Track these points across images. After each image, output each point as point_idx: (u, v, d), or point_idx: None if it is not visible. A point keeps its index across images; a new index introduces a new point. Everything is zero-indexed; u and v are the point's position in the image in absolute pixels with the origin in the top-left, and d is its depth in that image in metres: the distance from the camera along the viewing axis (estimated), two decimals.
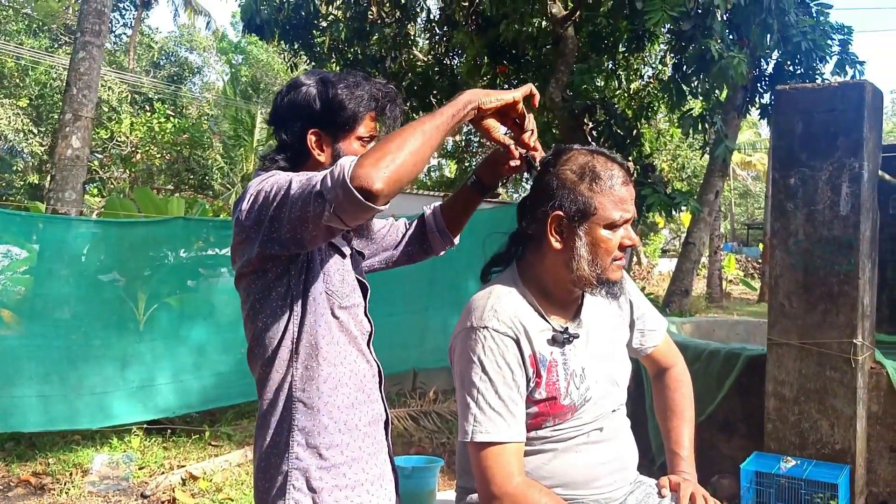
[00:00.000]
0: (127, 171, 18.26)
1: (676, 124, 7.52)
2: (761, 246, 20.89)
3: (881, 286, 3.52)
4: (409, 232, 1.73)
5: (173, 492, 3.74)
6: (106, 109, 17.12)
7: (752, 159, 26.18)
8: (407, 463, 3.42)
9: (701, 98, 5.88)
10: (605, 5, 6.38)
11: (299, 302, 1.39)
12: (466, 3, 6.74)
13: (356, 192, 1.14)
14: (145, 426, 4.57)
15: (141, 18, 23.95)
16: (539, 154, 1.47)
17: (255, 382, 1.46)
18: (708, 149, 6.82)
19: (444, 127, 1.25)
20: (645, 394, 3.57)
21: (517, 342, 1.39)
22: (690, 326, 5.11)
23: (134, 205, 7.40)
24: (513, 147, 1.44)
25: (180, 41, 26.79)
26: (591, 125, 6.26)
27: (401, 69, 7.11)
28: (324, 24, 6.87)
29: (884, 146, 3.43)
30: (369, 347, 1.52)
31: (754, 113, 7.22)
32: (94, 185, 17.59)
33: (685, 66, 5.36)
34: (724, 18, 4.97)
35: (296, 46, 6.86)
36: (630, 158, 6.00)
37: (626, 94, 7.68)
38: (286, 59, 8.32)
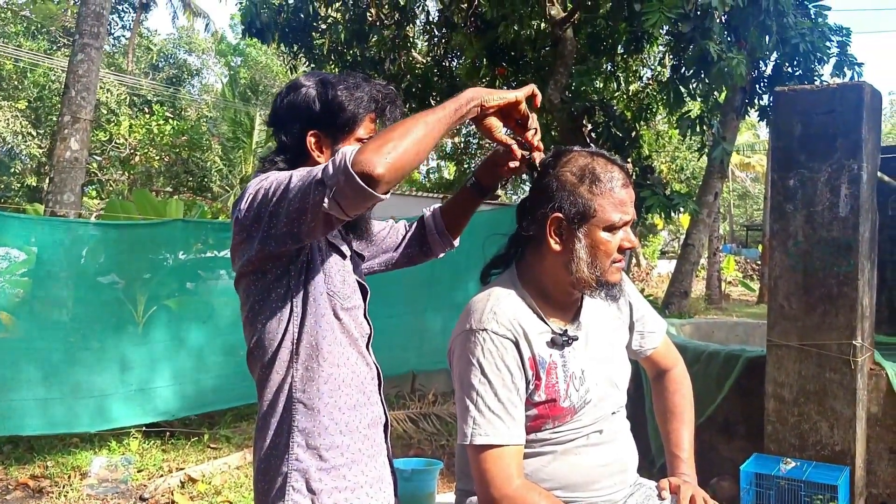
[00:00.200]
0: (126, 173, 18.26)
1: (675, 126, 7.52)
2: (760, 247, 20.90)
3: (880, 287, 3.51)
4: (409, 234, 1.73)
5: (172, 495, 3.73)
6: (105, 111, 17.11)
7: (751, 161, 26.20)
8: (406, 465, 3.42)
9: (700, 100, 5.88)
10: (603, 7, 6.39)
11: (300, 303, 1.39)
12: (465, 5, 6.74)
13: (358, 178, 1.14)
14: (144, 429, 4.57)
15: (140, 20, 23.97)
16: (540, 155, 1.47)
17: (255, 384, 1.46)
18: (706, 150, 6.83)
19: (446, 120, 1.25)
20: (645, 396, 3.57)
21: (516, 344, 1.39)
22: (690, 328, 5.11)
23: (133, 207, 7.40)
24: (514, 147, 1.44)
25: (179, 43, 26.79)
26: (590, 127, 6.26)
27: (400, 71, 7.11)
28: (323, 26, 6.87)
29: (882, 147, 3.43)
30: (369, 350, 1.51)
31: (753, 114, 7.23)
32: (93, 187, 17.58)
33: (684, 68, 5.36)
34: (723, 20, 4.98)
35: (295, 49, 6.86)
36: (629, 160, 6.00)
37: (625, 96, 7.68)
38: (286, 62, 8.32)
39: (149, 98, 19.94)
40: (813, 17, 5.54)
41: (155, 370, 4.48)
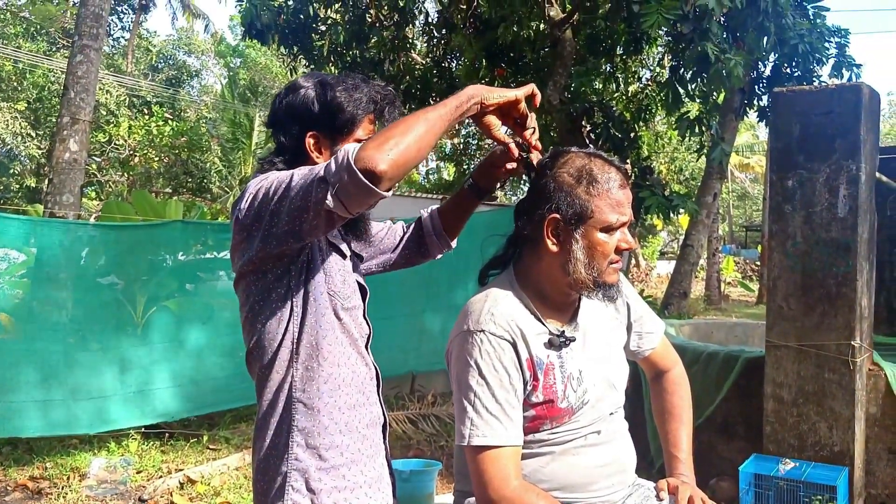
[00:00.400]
0: (125, 174, 18.25)
1: (674, 127, 7.52)
2: (759, 248, 20.91)
3: (879, 288, 3.52)
4: (407, 235, 1.73)
5: (171, 496, 3.73)
6: (104, 113, 17.10)
7: (749, 161, 26.23)
8: (405, 466, 3.41)
9: (699, 100, 5.88)
10: (602, 8, 6.39)
11: (300, 302, 1.39)
12: (464, 6, 6.74)
13: (360, 174, 1.14)
14: (143, 430, 4.56)
15: (139, 22, 23.96)
16: (538, 155, 1.47)
17: (254, 384, 1.46)
18: (705, 151, 6.83)
19: (447, 117, 1.26)
20: (643, 396, 3.57)
21: (514, 345, 1.39)
22: (689, 328, 5.11)
23: (132, 208, 7.40)
24: (512, 146, 1.44)
25: (178, 44, 26.80)
26: (588, 128, 6.26)
27: (399, 72, 7.10)
28: (322, 27, 6.87)
29: (881, 148, 3.44)
30: (368, 350, 1.52)
31: (752, 115, 7.23)
32: (92, 188, 17.58)
33: (683, 69, 5.36)
34: (721, 21, 4.98)
35: (295, 50, 6.86)
36: (628, 161, 6.01)
37: (624, 97, 7.68)
38: (286, 64, 8.30)
39: (148, 99, 19.93)
40: (811, 17, 5.54)
41: (154, 371, 4.48)
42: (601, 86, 7.28)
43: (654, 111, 7.43)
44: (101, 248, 4.49)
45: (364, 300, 1.53)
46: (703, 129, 5.63)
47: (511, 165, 1.49)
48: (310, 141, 1.45)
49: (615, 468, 1.49)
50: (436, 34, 7.51)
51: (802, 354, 3.05)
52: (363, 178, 1.14)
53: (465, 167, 13.22)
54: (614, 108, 6.61)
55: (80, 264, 4.40)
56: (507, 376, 1.37)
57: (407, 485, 3.23)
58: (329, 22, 6.93)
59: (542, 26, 6.63)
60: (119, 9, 22.58)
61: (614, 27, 6.14)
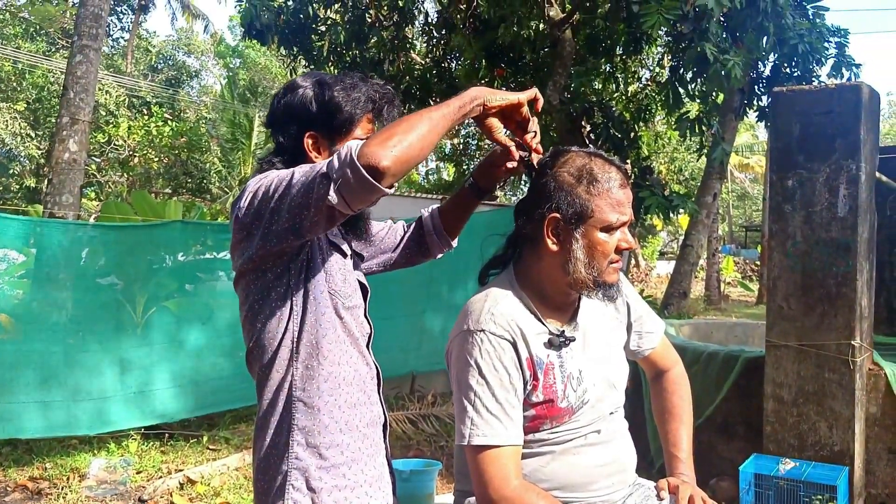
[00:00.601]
0: (124, 174, 18.25)
1: (674, 127, 7.52)
2: (759, 248, 20.91)
3: (879, 288, 3.52)
4: (408, 234, 1.73)
5: (171, 496, 3.73)
6: (103, 113, 17.10)
7: (749, 161, 26.23)
8: (405, 466, 3.41)
9: (698, 100, 5.88)
10: (602, 8, 6.39)
11: (300, 301, 1.39)
12: (464, 7, 6.74)
13: (363, 170, 1.14)
14: (143, 430, 4.56)
15: (138, 22, 23.96)
16: (538, 157, 1.47)
17: (255, 383, 1.46)
18: (705, 151, 6.83)
19: (449, 117, 1.26)
20: (643, 396, 3.57)
21: (514, 345, 1.39)
22: (689, 328, 5.11)
23: (131, 208, 7.40)
24: (513, 148, 1.44)
25: (178, 45, 26.80)
26: (588, 128, 6.26)
27: (399, 72, 7.10)
28: (322, 27, 6.87)
29: (881, 148, 3.44)
30: (369, 349, 1.52)
31: (752, 115, 7.23)
32: (92, 188, 17.57)
33: (683, 69, 5.36)
34: (721, 21, 4.98)
35: (294, 51, 6.86)
36: (628, 161, 6.01)
37: (623, 97, 7.68)
38: (285, 64, 8.30)
39: (148, 100, 19.94)
40: (811, 17, 5.54)
41: (154, 372, 4.48)
42: (601, 86, 7.29)
43: (653, 111, 7.43)
44: (100, 249, 4.49)
45: (365, 299, 1.53)
46: (703, 129, 5.63)
47: (511, 165, 1.49)
48: (308, 141, 1.45)
49: (615, 468, 1.49)
50: (435, 34, 7.51)
51: (802, 354, 3.05)
52: (366, 174, 1.15)
53: (465, 167, 13.22)
54: (614, 108, 6.61)
55: (80, 265, 4.40)
56: (508, 376, 1.37)
57: (407, 485, 3.22)
58: (329, 22, 6.92)
59: (541, 26, 6.63)
60: (118, 9, 22.58)
61: (614, 27, 6.14)
